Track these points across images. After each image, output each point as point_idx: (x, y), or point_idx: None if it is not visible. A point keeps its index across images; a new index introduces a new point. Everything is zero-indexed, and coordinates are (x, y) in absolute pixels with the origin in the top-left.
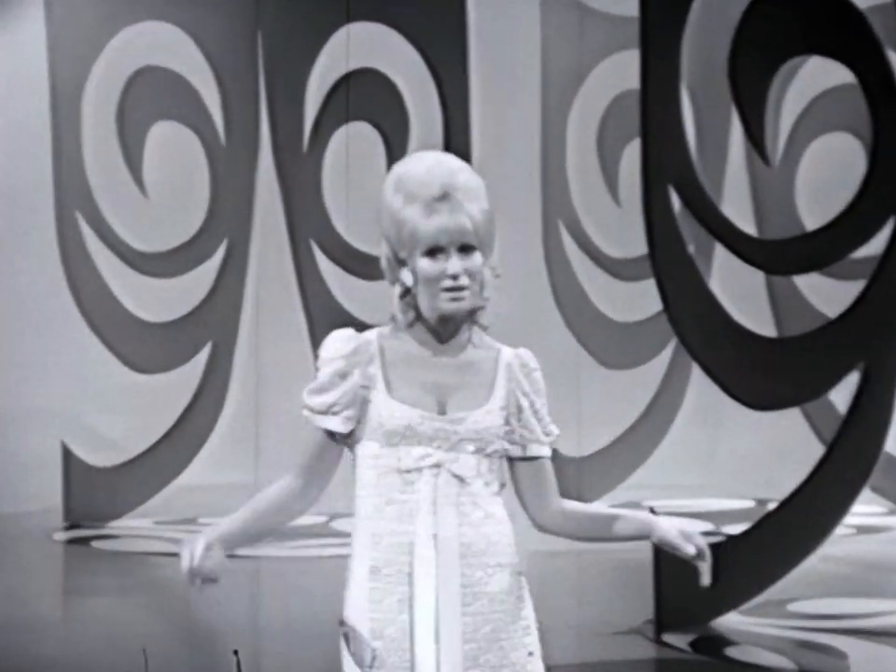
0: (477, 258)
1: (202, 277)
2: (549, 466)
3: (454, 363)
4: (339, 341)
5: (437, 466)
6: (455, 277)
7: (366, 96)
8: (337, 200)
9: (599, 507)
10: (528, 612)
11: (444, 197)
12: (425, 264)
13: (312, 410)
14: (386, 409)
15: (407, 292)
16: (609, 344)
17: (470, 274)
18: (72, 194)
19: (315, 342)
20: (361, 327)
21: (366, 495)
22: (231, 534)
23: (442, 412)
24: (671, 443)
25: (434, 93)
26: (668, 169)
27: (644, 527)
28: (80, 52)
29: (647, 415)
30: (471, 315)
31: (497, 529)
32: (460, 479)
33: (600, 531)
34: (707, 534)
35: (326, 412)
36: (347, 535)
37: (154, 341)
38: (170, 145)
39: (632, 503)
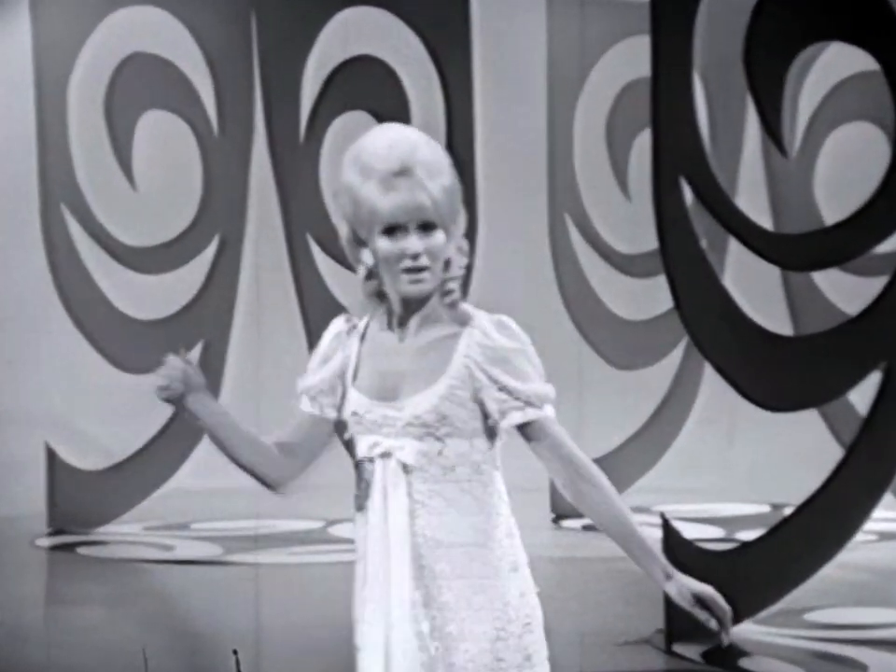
0: (439, 236)
1: (193, 273)
2: (550, 429)
3: (415, 346)
4: (333, 325)
5: (386, 455)
6: (414, 257)
7: (365, 84)
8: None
9: (624, 514)
10: (524, 609)
11: (403, 172)
12: (383, 244)
13: (298, 389)
14: (350, 396)
15: (371, 275)
16: (618, 343)
17: (431, 254)
18: (57, 186)
19: (312, 340)
20: None
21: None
22: (215, 406)
23: (389, 397)
24: (682, 446)
25: (436, 81)
26: (680, 160)
27: (659, 575)
28: (66, 38)
29: (657, 417)
30: (443, 296)
31: (465, 519)
32: (405, 467)
33: (616, 540)
34: (719, 540)
35: (306, 393)
36: (345, 541)
37: (143, 339)
38: (160, 135)
39: (641, 508)
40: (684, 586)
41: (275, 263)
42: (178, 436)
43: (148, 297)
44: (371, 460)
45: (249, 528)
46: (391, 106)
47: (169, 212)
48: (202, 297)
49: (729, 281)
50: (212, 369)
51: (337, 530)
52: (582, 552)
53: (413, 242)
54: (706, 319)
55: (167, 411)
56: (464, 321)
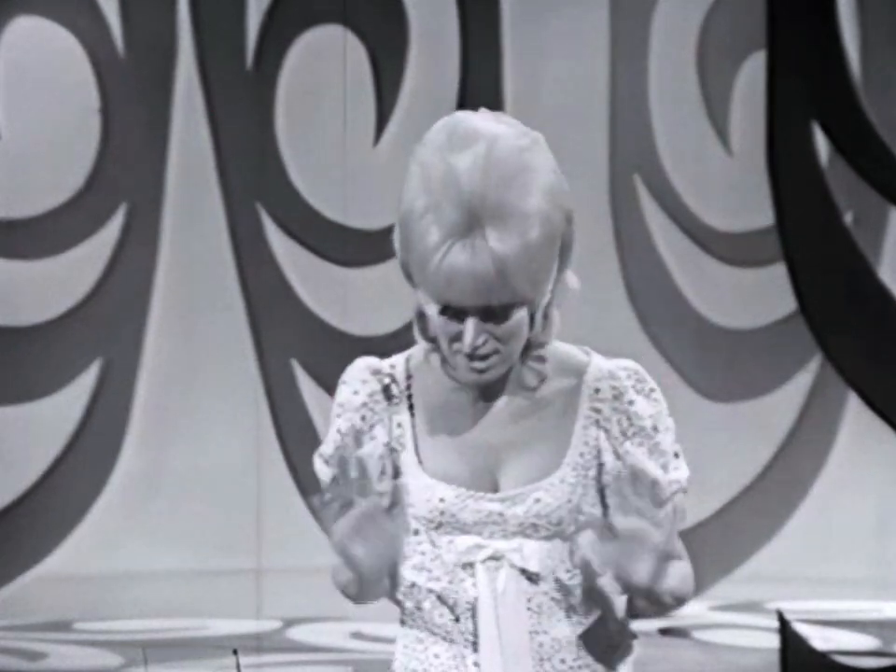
0: (516, 316)
1: (88, 258)
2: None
3: (509, 408)
4: (355, 380)
5: (494, 558)
6: (471, 351)
7: None
8: (297, 143)
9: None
10: None
11: (469, 227)
12: (436, 318)
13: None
14: (415, 484)
15: (424, 317)
16: (714, 364)
17: (503, 338)
18: None
19: (264, 355)
20: (356, 342)
21: (406, 593)
22: None
23: (494, 487)
24: (812, 512)
25: None
26: (814, 92)
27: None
28: None
29: (772, 470)
30: (525, 358)
31: (590, 632)
32: (526, 573)
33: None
34: (870, 654)
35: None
36: (309, 648)
37: (15, 354)
38: (35, 54)
39: (747, 604)
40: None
41: (208, 243)
42: (60, 496)
43: (23, 292)
44: (468, 567)
45: (161, 630)
46: (378, 16)
47: (50, 169)
48: (100, 292)
49: (887, 273)
50: (113, 396)
51: (299, 633)
52: (663, 667)
53: (470, 331)
54: (847, 330)
55: (45, 458)
56: (574, 367)
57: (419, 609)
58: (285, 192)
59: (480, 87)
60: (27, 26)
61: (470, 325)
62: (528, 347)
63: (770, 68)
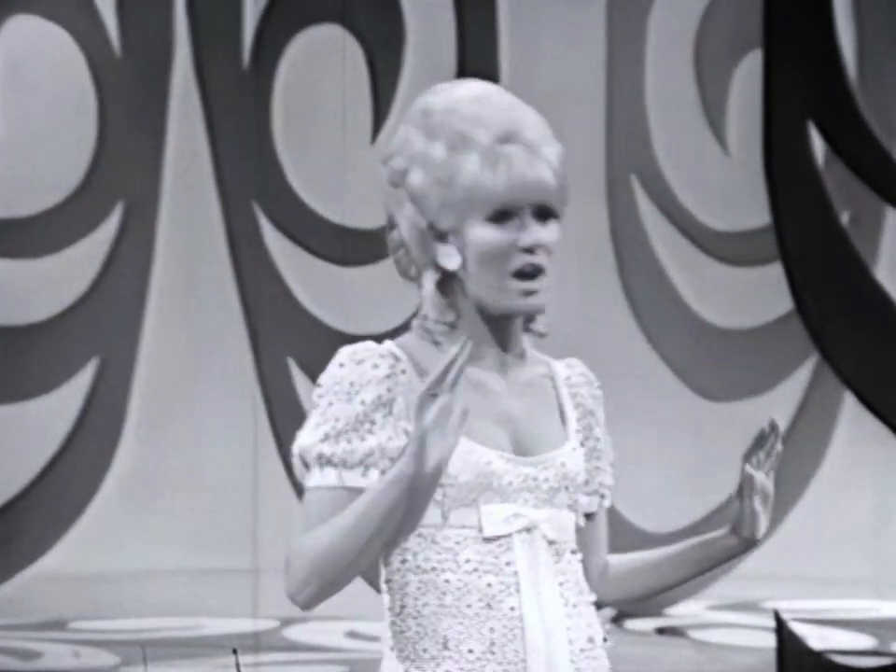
0: (555, 228)
1: (84, 257)
2: (603, 516)
3: (512, 383)
4: (364, 358)
5: (528, 530)
6: (530, 251)
7: None
8: (294, 142)
9: (650, 552)
10: None
11: (511, 138)
12: (488, 234)
13: (330, 462)
14: (457, 450)
15: (444, 285)
16: (710, 363)
17: (549, 251)
18: None
19: (261, 354)
20: (353, 342)
21: (417, 582)
22: None
23: (522, 451)
24: (809, 511)
25: None
26: (811, 93)
27: (726, 544)
28: None
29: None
30: (528, 321)
31: (594, 616)
32: (556, 546)
33: (670, 574)
34: (866, 653)
35: (360, 462)
36: (308, 648)
37: (11, 353)
38: (32, 53)
39: (744, 604)
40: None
41: (205, 244)
42: (56, 496)
43: (18, 292)
44: (501, 539)
45: (157, 629)
46: (376, 17)
47: (46, 168)
48: (96, 292)
49: (884, 273)
50: (109, 395)
51: (296, 632)
52: (660, 666)
53: (532, 231)
54: (844, 329)
55: (41, 457)
56: (538, 360)
57: (442, 604)
58: (282, 192)
59: None
60: (23, 25)
61: (531, 220)
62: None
63: (767, 68)
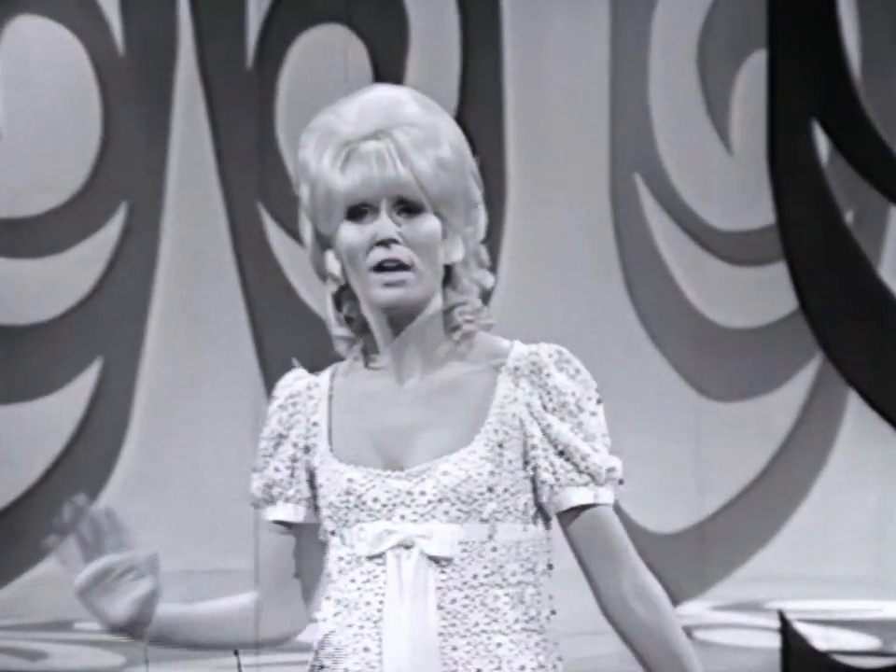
0: (428, 222)
1: (88, 258)
2: (608, 520)
3: (424, 390)
4: (281, 387)
5: (405, 546)
6: (385, 244)
7: None
8: (297, 142)
9: (681, 647)
10: None
11: (375, 136)
12: (349, 232)
13: (254, 499)
14: (324, 473)
15: (341, 295)
16: (714, 363)
17: (415, 244)
18: None
19: (264, 357)
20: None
21: (328, 597)
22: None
23: (396, 465)
24: (813, 512)
25: None
26: (815, 91)
27: None
28: None
29: (774, 469)
30: (448, 318)
31: (517, 647)
32: (438, 562)
33: None
34: (871, 654)
35: (269, 498)
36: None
37: (15, 353)
38: (36, 53)
39: (748, 604)
40: None
41: (209, 243)
42: (57, 497)
43: (23, 292)
44: (378, 558)
45: None
46: (380, 16)
47: (50, 168)
48: (100, 292)
49: (888, 272)
50: (114, 395)
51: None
52: None
53: (385, 223)
54: (847, 328)
55: (46, 457)
56: (496, 353)
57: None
58: (286, 192)
59: (480, 86)
60: (27, 25)
61: (384, 213)
62: (450, 312)
63: (771, 67)
